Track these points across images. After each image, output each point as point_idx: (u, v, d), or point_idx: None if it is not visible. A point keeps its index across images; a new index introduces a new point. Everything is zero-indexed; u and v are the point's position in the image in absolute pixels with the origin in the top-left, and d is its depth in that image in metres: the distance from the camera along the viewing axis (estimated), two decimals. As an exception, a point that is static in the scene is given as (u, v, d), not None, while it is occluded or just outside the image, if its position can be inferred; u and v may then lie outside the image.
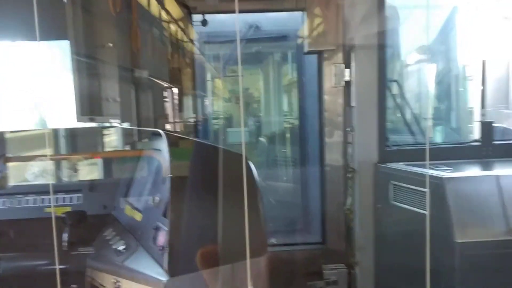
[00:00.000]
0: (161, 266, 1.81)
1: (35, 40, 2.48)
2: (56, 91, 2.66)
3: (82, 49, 2.45)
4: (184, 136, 3.43)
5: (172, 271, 1.76)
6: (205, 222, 1.92)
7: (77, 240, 2.30)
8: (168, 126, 4.69)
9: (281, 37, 5.18)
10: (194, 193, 1.94)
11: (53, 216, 2.37)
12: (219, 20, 4.24)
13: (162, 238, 1.90)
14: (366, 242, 3.38)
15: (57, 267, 1.96)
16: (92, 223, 2.45)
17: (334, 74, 3.37)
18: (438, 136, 4.85)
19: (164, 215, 1.96)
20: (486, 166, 3.12)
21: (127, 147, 3.94)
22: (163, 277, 1.75)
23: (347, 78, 3.34)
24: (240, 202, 1.78)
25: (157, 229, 1.97)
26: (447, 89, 5.05)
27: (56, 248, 1.84)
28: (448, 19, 4.93)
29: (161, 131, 2.10)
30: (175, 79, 4.47)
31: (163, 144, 2.11)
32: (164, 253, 1.81)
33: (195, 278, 1.80)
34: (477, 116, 4.03)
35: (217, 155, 2.06)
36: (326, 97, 3.52)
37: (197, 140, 3.24)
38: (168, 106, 4.82)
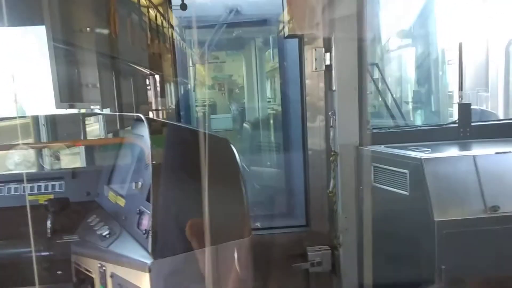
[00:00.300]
0: (145, 249, 1.84)
1: (10, 25, 2.45)
2: (34, 78, 2.63)
3: (59, 35, 2.42)
4: (166, 121, 3.43)
5: (156, 254, 1.79)
6: (188, 205, 1.93)
7: (61, 227, 2.31)
8: (150, 113, 4.67)
9: (262, 21, 5.15)
10: (176, 176, 1.96)
11: (27, 203, 2.36)
12: (198, 5, 4.20)
13: (145, 222, 1.92)
14: (349, 223, 3.45)
15: (34, 254, 1.97)
16: (76, 210, 2.45)
17: (315, 58, 3.38)
18: (418, 119, 4.93)
19: (148, 199, 1.97)
20: (464, 147, 3.20)
21: (110, 135, 3.92)
22: (147, 260, 1.77)
23: (327, 62, 3.36)
24: (222, 184, 1.81)
25: (140, 213, 1.99)
26: (427, 73, 5.12)
27: (35, 236, 1.85)
28: (427, 3, 4.98)
29: (142, 116, 2.10)
30: (155, 65, 4.43)
31: (144, 130, 2.12)
32: (147, 237, 1.83)
33: (178, 260, 1.83)
34: (456, 99, 4.10)
35: (199, 138, 2.07)
36: (307, 82, 3.53)
37: (178, 124, 3.25)
38: (150, 93, 4.80)
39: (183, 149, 2.07)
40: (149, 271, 1.76)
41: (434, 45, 5.08)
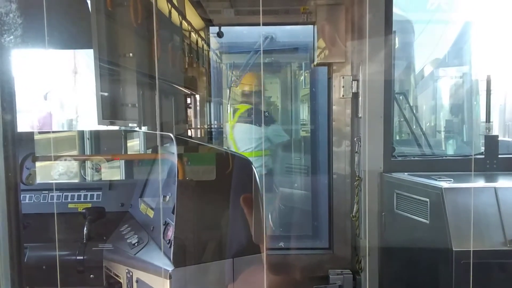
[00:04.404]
0: (168, 257, 1.99)
1: (63, 48, 2.73)
2: (80, 96, 2.90)
3: (105, 57, 2.67)
4: (195, 141, 3.63)
5: (177, 262, 1.94)
6: (209, 219, 2.09)
7: (96, 234, 2.50)
8: (189, 132, 4.92)
9: (294, 49, 5.36)
10: (199, 191, 2.12)
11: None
12: (235, 32, 4.45)
13: (170, 232, 2.09)
14: (371, 248, 3.49)
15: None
16: (110, 219, 2.66)
17: (342, 86, 3.51)
18: (449, 149, 4.90)
19: (173, 212, 2.14)
20: (487, 179, 3.20)
21: (149, 151, 4.17)
22: (169, 267, 1.93)
23: (354, 89, 3.47)
24: (240, 202, 1.96)
25: (166, 224, 2.16)
26: (460, 102, 5.11)
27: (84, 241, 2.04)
28: (461, 34, 5.00)
29: (171, 135, 2.29)
30: (194, 86, 4.69)
31: (173, 148, 2.31)
32: (170, 246, 1.99)
33: (198, 269, 1.98)
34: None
35: (222, 157, 2.23)
36: (334, 108, 3.66)
37: (203, 144, 3.43)
38: (189, 112, 5.06)
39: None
40: (170, 278, 1.91)
41: (467, 75, 5.07)
